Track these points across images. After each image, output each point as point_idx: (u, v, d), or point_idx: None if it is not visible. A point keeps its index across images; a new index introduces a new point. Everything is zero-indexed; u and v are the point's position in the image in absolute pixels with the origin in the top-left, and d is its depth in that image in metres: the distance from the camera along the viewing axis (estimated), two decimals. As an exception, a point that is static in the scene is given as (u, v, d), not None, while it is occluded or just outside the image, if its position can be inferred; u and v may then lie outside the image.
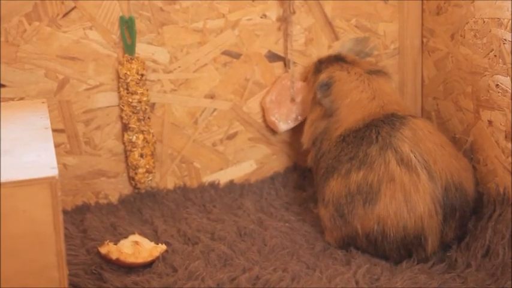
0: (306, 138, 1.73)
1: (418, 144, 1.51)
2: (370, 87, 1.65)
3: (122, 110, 1.76)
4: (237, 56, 1.83)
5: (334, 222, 1.56)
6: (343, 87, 1.66)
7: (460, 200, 1.51)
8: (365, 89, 1.65)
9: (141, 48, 1.76)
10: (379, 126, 1.55)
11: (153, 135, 1.78)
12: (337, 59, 1.74)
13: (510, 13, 1.50)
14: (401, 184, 1.48)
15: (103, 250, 1.53)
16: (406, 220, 1.48)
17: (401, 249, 1.50)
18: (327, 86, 1.67)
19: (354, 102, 1.64)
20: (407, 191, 1.48)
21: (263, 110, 1.87)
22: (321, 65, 1.76)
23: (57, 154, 1.70)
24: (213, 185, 1.87)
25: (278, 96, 1.85)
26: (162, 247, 1.56)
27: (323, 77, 1.69)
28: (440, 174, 1.50)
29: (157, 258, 1.53)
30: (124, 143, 1.79)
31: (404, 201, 1.48)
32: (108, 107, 1.78)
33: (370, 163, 1.51)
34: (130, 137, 1.76)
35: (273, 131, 1.89)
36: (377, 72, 1.70)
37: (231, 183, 1.89)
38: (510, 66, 1.52)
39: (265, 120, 1.88)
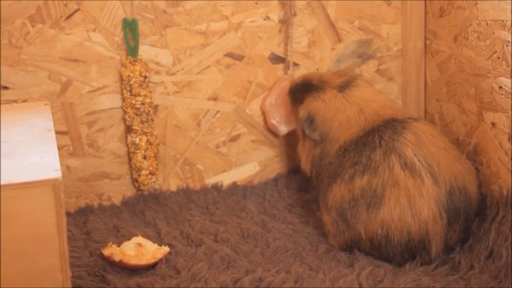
0: (306, 166, 1.72)
1: (422, 148, 1.51)
2: (351, 103, 1.63)
3: (125, 112, 1.76)
4: (240, 58, 1.83)
5: (337, 226, 1.56)
6: (325, 116, 1.64)
7: (464, 203, 1.51)
8: (347, 107, 1.63)
9: (144, 50, 1.76)
10: (381, 131, 1.55)
11: (156, 137, 1.79)
12: (306, 88, 1.70)
13: (513, 15, 1.51)
14: (406, 188, 1.48)
15: (106, 252, 1.53)
16: (410, 224, 1.47)
17: (405, 253, 1.50)
18: (310, 122, 1.66)
19: (344, 122, 1.62)
20: (412, 196, 1.47)
21: (263, 113, 1.87)
22: (295, 95, 1.73)
23: (60, 156, 1.71)
24: (216, 187, 1.88)
25: (278, 98, 1.85)
26: (165, 249, 1.56)
27: (302, 114, 1.67)
28: (444, 178, 1.49)
29: (161, 260, 1.53)
30: (127, 145, 1.79)
31: (409, 206, 1.47)
32: (111, 109, 1.78)
33: (374, 168, 1.51)
34: (134, 139, 1.76)
35: (275, 134, 1.89)
36: (348, 84, 1.66)
37: (234, 185, 1.89)
38: (513, 68, 1.53)
39: (266, 123, 1.88)
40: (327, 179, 1.59)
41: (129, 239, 1.60)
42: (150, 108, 1.76)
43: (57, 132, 1.70)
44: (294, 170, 1.92)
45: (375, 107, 1.62)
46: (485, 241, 1.50)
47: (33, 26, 1.69)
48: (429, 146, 1.52)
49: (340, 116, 1.63)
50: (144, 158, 1.77)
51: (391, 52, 1.91)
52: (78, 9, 1.71)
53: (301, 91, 1.71)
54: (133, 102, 1.74)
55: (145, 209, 1.79)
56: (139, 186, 1.80)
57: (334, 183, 1.56)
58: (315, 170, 1.68)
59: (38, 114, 1.52)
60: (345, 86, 1.66)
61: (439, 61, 1.81)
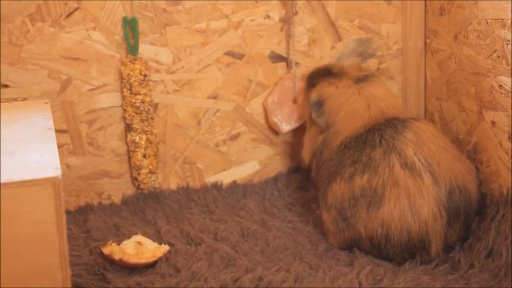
0: (306, 154, 1.72)
1: (422, 148, 1.51)
2: (362, 96, 1.64)
3: (125, 110, 1.76)
4: (240, 56, 1.83)
5: (337, 225, 1.56)
6: (334, 103, 1.64)
7: (464, 202, 1.51)
8: (356, 100, 1.63)
9: (144, 49, 1.76)
10: (382, 130, 1.55)
11: (156, 136, 1.79)
12: (324, 73, 1.71)
13: (513, 14, 1.51)
14: (406, 188, 1.48)
15: (106, 251, 1.53)
16: (410, 224, 1.47)
17: (405, 252, 1.50)
18: (319, 105, 1.66)
19: (349, 114, 1.62)
20: (412, 195, 1.47)
21: (265, 111, 1.87)
22: (312, 80, 1.74)
23: (60, 154, 1.71)
24: (216, 186, 1.88)
25: (280, 97, 1.85)
26: (165, 248, 1.56)
27: (313, 96, 1.67)
28: (444, 178, 1.49)
29: (160, 258, 1.53)
30: (127, 144, 1.79)
31: (409, 205, 1.47)
32: (111, 107, 1.78)
33: (374, 167, 1.51)
34: (134, 138, 1.76)
35: (276, 132, 1.89)
36: (365, 78, 1.67)
37: (234, 184, 1.89)
38: (513, 67, 1.53)
39: (267, 121, 1.88)
40: (327, 177, 1.59)
41: (129, 238, 1.60)
42: (150, 107, 1.76)
43: (57, 131, 1.70)
44: (294, 168, 1.92)
45: (383, 105, 1.62)
46: (485, 240, 1.50)
47: (33, 25, 1.69)
48: (429, 146, 1.52)
49: (347, 106, 1.63)
50: (144, 156, 1.77)
51: (391, 51, 1.91)
52: (78, 8, 1.71)
53: (319, 76, 1.71)
54: (133, 100, 1.74)
55: (145, 207, 1.79)
56: (139, 184, 1.80)
57: (334, 182, 1.56)
58: (315, 163, 1.67)
59: (38, 113, 1.52)
60: (362, 79, 1.66)
61: (439, 60, 1.81)
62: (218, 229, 1.65)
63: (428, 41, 1.85)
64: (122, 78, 1.75)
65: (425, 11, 1.85)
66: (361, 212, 1.51)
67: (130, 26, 1.73)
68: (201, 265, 1.49)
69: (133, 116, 1.75)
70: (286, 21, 1.83)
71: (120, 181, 1.82)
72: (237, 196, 1.84)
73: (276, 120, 1.85)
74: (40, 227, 1.17)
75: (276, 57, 1.86)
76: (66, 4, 1.70)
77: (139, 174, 1.79)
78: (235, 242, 1.59)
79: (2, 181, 1.14)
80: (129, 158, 1.80)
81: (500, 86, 1.57)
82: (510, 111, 1.54)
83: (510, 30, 1.52)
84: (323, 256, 1.55)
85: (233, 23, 1.81)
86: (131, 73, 1.73)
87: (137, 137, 1.76)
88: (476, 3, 1.62)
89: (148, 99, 1.75)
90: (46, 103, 1.60)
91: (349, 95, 1.64)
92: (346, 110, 1.63)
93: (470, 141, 1.68)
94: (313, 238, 1.63)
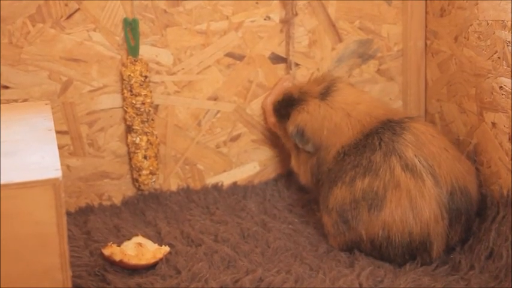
0: (304, 178, 1.71)
1: (422, 149, 1.51)
2: (336, 109, 1.62)
3: (125, 111, 1.76)
4: (240, 57, 1.83)
5: (337, 228, 1.56)
6: (313, 127, 1.63)
7: (465, 203, 1.51)
8: (333, 114, 1.62)
9: (145, 50, 1.76)
10: (380, 133, 1.55)
11: (156, 137, 1.79)
12: (288, 103, 1.70)
13: (514, 15, 1.51)
14: (407, 190, 1.48)
15: (106, 252, 1.53)
16: (412, 226, 1.47)
17: (406, 254, 1.50)
18: (300, 135, 1.65)
19: (332, 129, 1.61)
20: (413, 197, 1.47)
21: (264, 112, 1.87)
22: (280, 112, 1.73)
23: (61, 156, 1.70)
24: (217, 187, 1.88)
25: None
26: (166, 249, 1.56)
27: (291, 129, 1.66)
28: (445, 179, 1.49)
29: (161, 260, 1.53)
30: (127, 145, 1.79)
31: (410, 207, 1.47)
32: (111, 108, 1.78)
33: (375, 170, 1.51)
34: (134, 139, 1.76)
35: (275, 133, 1.89)
36: (328, 90, 1.65)
37: (234, 185, 1.89)
38: (514, 68, 1.52)
39: (265, 122, 1.88)
40: (328, 183, 1.59)
41: (129, 239, 1.60)
42: (150, 108, 1.76)
43: (57, 132, 1.70)
44: (294, 169, 1.92)
45: (364, 108, 1.62)
46: (485, 241, 1.50)
47: (33, 26, 1.69)
48: (429, 147, 1.52)
49: (327, 123, 1.62)
50: (145, 157, 1.77)
51: (392, 52, 1.91)
52: (78, 9, 1.71)
53: (285, 107, 1.71)
54: (134, 102, 1.74)
55: (145, 208, 1.79)
56: (139, 186, 1.80)
57: (335, 186, 1.56)
58: (315, 178, 1.67)
59: (38, 114, 1.52)
60: (325, 93, 1.65)
61: (440, 61, 1.81)
62: (218, 230, 1.65)
63: (428, 42, 1.85)
64: (122, 79, 1.75)
65: (426, 12, 1.85)
66: (362, 215, 1.51)
67: (131, 27, 1.73)
68: (202, 266, 1.49)
69: (134, 117, 1.75)
70: (287, 22, 1.83)
71: (120, 182, 1.82)
72: (238, 197, 1.84)
73: (274, 120, 1.85)
74: (40, 228, 1.17)
75: (276, 59, 1.86)
76: (66, 5, 1.70)
77: (139, 175, 1.79)
78: (236, 243, 1.59)
79: (3, 182, 1.14)
80: (130, 159, 1.80)
81: (501, 87, 1.57)
82: (510, 112, 1.54)
83: (510, 31, 1.52)
84: (323, 257, 1.55)
85: (233, 24, 1.81)
86: (132, 74, 1.73)
87: (138, 138, 1.76)
88: (476, 4, 1.62)
89: (148, 100, 1.75)
90: (46, 104, 1.60)
91: (324, 114, 1.63)
92: (328, 127, 1.62)
93: (470, 142, 1.68)
94: (314, 239, 1.63)
